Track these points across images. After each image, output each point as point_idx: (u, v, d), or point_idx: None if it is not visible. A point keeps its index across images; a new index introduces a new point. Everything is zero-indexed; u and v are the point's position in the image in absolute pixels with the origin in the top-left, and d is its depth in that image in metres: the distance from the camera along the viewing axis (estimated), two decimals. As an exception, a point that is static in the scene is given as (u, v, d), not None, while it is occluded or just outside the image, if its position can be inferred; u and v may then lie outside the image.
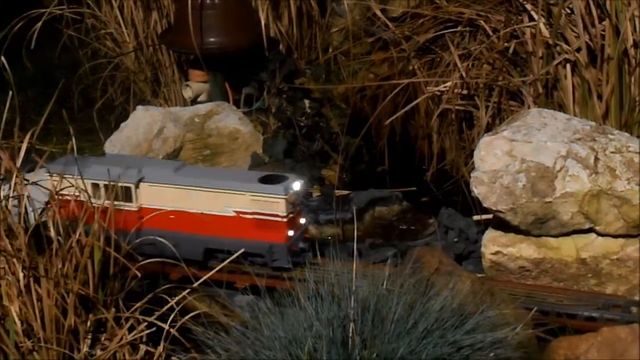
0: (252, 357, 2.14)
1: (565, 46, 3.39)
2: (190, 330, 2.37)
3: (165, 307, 2.44)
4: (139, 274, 2.52)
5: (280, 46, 4.22)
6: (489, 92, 3.64)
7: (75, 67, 4.72)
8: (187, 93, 4.11)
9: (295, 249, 2.92)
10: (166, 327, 2.38)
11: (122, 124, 3.70)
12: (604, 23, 3.29)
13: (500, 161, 3.00)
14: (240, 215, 2.93)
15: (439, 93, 3.73)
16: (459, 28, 3.75)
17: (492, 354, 2.18)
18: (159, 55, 4.46)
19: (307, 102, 3.92)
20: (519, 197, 2.92)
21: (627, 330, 2.38)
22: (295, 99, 3.89)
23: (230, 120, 3.72)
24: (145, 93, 4.50)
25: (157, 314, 2.44)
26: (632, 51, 3.26)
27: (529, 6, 3.49)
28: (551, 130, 3.01)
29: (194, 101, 4.07)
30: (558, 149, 2.94)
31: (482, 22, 3.65)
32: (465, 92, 3.70)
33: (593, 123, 3.08)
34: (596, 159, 2.89)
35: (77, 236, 2.47)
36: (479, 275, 2.92)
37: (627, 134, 3.02)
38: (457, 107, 3.72)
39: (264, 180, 2.93)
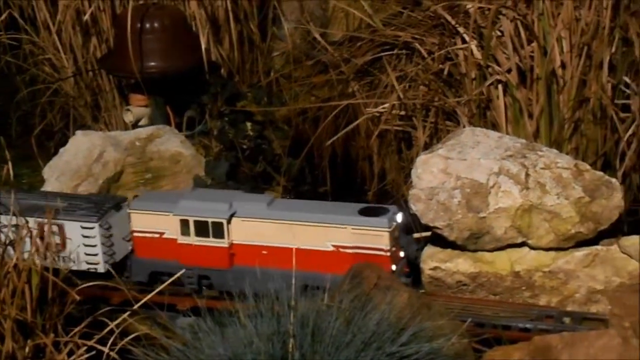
0: (192, 375, 2.17)
1: (496, 67, 3.48)
2: (132, 353, 2.39)
3: (105, 331, 2.46)
4: (78, 298, 2.53)
5: (222, 70, 4.26)
6: (426, 112, 3.69)
7: (13, 93, 4.67)
8: (128, 117, 4.11)
9: None
10: (106, 350, 2.40)
11: (61, 149, 3.67)
12: (532, 45, 3.41)
13: (436, 178, 3.09)
14: (340, 249, 2.85)
15: (377, 114, 3.77)
16: (396, 51, 3.81)
17: (427, 365, 2.24)
18: (99, 80, 4.45)
19: (249, 124, 3.93)
20: (454, 213, 3.02)
21: (557, 338, 2.47)
22: (237, 122, 3.91)
23: (171, 143, 3.72)
24: (86, 118, 4.48)
25: (96, 337, 2.45)
26: (559, 71, 3.37)
27: (461, 29, 3.57)
28: (484, 148, 3.12)
29: (135, 125, 4.06)
30: (491, 165, 3.04)
31: (417, 44, 3.71)
32: (403, 112, 3.75)
33: (523, 140, 3.19)
34: (527, 175, 3.00)
35: (14, 261, 2.47)
36: (421, 290, 3.00)
37: (555, 151, 3.13)
38: (395, 128, 3.78)
39: (365, 212, 2.85)
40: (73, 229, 3.00)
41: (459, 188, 3.05)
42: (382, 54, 3.86)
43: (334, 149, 4.03)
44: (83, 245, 3.01)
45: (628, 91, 3.36)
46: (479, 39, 3.53)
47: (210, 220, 2.89)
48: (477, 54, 3.53)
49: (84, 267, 3.01)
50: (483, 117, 3.56)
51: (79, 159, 3.61)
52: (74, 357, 2.43)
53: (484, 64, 3.51)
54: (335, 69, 4.01)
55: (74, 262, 3.00)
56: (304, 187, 3.96)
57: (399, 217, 2.85)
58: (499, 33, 3.49)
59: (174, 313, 2.91)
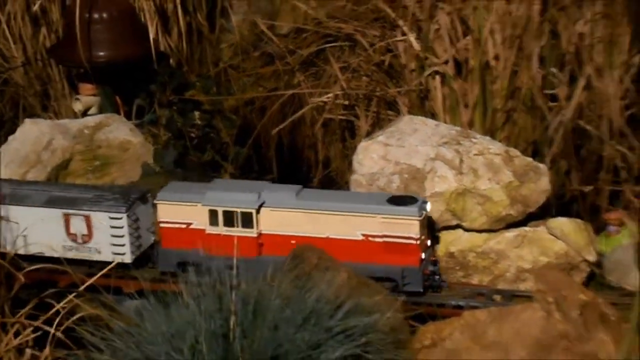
0: (135, 352, 2.19)
1: (434, 59, 3.54)
2: (77, 332, 2.41)
3: (51, 312, 2.48)
4: (24, 280, 2.55)
5: (171, 60, 4.27)
6: (368, 102, 3.74)
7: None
8: (77, 106, 4.10)
9: (427, 272, 2.82)
10: (52, 330, 2.42)
11: (10, 137, 3.66)
12: (467, 37, 3.48)
13: (376, 164, 3.17)
14: (369, 238, 2.80)
15: (322, 104, 3.81)
16: (339, 43, 3.85)
17: (363, 339, 2.30)
18: (49, 69, 4.43)
19: (197, 113, 3.95)
20: (393, 198, 3.10)
21: (485, 313, 2.56)
22: (185, 111, 3.92)
23: (120, 131, 3.74)
24: (35, 107, 4.44)
25: (42, 318, 2.47)
26: (493, 63, 3.45)
27: (400, 22, 3.62)
28: (421, 136, 3.20)
29: (85, 114, 4.05)
30: (427, 152, 3.12)
31: (359, 36, 3.75)
32: (346, 102, 3.80)
33: (458, 128, 3.27)
34: (461, 160, 3.09)
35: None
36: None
37: (488, 138, 3.23)
38: (339, 117, 3.83)
39: (394, 201, 2.80)
40: (100, 220, 2.95)
41: (398, 173, 3.13)
42: (326, 45, 3.89)
43: (281, 138, 4.06)
44: (110, 236, 2.96)
45: (556, 81, 3.45)
46: (418, 32, 3.59)
47: (239, 210, 2.82)
48: (416, 46, 3.59)
49: (110, 257, 2.93)
50: (422, 106, 3.61)
51: (27, 146, 3.60)
52: (20, 337, 2.45)
53: (423, 56, 3.57)
54: (282, 60, 4.04)
55: (99, 252, 2.98)
56: (251, 174, 3.99)
57: (428, 207, 2.82)
58: (436, 26, 3.55)
59: (121, 296, 2.94)
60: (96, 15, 3.95)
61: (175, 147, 3.77)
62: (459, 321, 2.56)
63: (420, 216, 2.74)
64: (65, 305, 2.52)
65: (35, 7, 4.28)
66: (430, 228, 2.95)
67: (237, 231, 2.84)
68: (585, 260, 3.02)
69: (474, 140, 3.16)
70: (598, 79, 3.45)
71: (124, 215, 2.92)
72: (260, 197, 2.84)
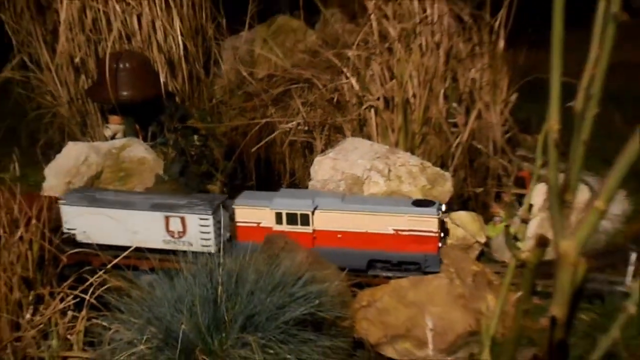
0: (147, 313, 2.17)
1: (369, 96, 3.54)
2: (107, 300, 2.38)
3: (86, 284, 2.45)
4: (65, 261, 2.51)
5: (176, 97, 4.23)
6: (322, 128, 3.73)
7: (23, 116, 4.54)
8: (107, 132, 4.05)
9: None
10: (87, 297, 2.38)
11: (57, 155, 3.60)
12: (393, 81, 3.47)
13: (327, 173, 3.17)
14: (399, 232, 2.76)
15: (288, 129, 3.79)
16: (300, 84, 3.84)
17: (317, 301, 2.30)
18: (87, 105, 4.36)
19: (195, 137, 3.91)
20: (339, 198, 3.09)
21: (407, 281, 2.59)
22: (187, 135, 3.87)
23: (139, 150, 3.70)
24: (76, 133, 4.38)
25: (80, 288, 2.43)
26: (411, 99, 3.46)
27: (345, 70, 3.61)
28: (360, 152, 3.21)
29: (113, 138, 4.00)
30: (365, 164, 3.14)
31: (315, 80, 3.75)
32: (306, 128, 3.79)
33: (387, 147, 3.28)
34: (389, 170, 3.11)
35: (19, 233, 2.43)
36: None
37: (409, 154, 3.24)
38: (301, 139, 3.80)
39: (417, 203, 2.78)
40: (192, 220, 2.91)
41: (343, 180, 3.13)
42: (291, 86, 3.88)
43: (258, 155, 4.02)
44: (199, 232, 2.91)
45: (456, 113, 3.49)
46: (357, 77, 3.60)
47: (299, 212, 2.79)
48: (356, 87, 3.59)
49: (200, 248, 2.89)
50: (361, 131, 3.61)
51: (70, 162, 3.55)
52: (64, 302, 2.41)
53: (361, 94, 3.58)
54: (258, 97, 4.02)
55: (191, 244, 2.92)
56: (236, 181, 3.97)
57: (443, 207, 2.79)
58: (370, 72, 3.55)
59: (139, 272, 2.90)
60: (121, 66, 3.89)
61: (179, 161, 3.73)
62: (388, 287, 2.59)
63: (438, 215, 2.73)
64: (97, 279, 2.49)
65: (77, 60, 4.21)
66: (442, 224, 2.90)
67: (297, 228, 2.82)
68: (478, 242, 3.06)
69: (398, 155, 3.19)
70: (486, 111, 3.49)
71: (211, 217, 2.89)
72: (314, 202, 2.82)
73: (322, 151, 3.64)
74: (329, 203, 2.82)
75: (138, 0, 4.03)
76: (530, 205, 1.27)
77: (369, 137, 3.56)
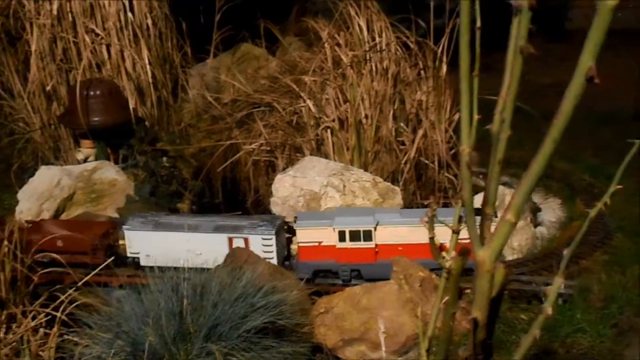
0: (116, 328, 2.15)
1: (326, 118, 3.60)
2: (77, 316, 2.35)
3: (58, 302, 2.41)
4: (36, 280, 2.47)
5: (146, 122, 4.21)
6: (283, 148, 3.76)
7: (-3, 142, 4.47)
8: (80, 156, 4.00)
9: None
10: (58, 314, 2.35)
11: (31, 179, 3.54)
12: (347, 104, 3.55)
13: (287, 190, 3.20)
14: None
15: (252, 150, 3.80)
16: (262, 108, 3.87)
17: (277, 310, 2.31)
18: (59, 131, 4.31)
19: (165, 158, 3.91)
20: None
21: (360, 288, 2.62)
22: (156, 157, 3.87)
23: (110, 173, 3.66)
24: (50, 158, 4.30)
25: (52, 306, 2.40)
26: (364, 120, 3.54)
27: (302, 94, 3.66)
28: (318, 170, 3.26)
29: (85, 161, 3.96)
30: (322, 181, 3.18)
31: (275, 104, 3.78)
32: (268, 148, 3.81)
33: (342, 164, 3.34)
34: (344, 186, 3.16)
35: (-10, 256, 2.38)
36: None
37: (362, 170, 3.30)
38: (264, 159, 3.84)
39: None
40: (255, 240, 2.86)
41: (302, 196, 3.17)
42: (254, 110, 3.91)
43: (225, 174, 4.00)
44: (262, 252, 2.85)
45: (404, 132, 3.56)
46: (314, 100, 3.66)
47: (362, 229, 2.76)
48: (313, 109, 3.64)
49: None
50: (319, 150, 3.66)
51: (43, 185, 3.49)
52: (36, 320, 2.37)
53: (318, 116, 3.64)
54: (223, 120, 4.03)
55: None
56: (204, 200, 3.95)
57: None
58: (326, 96, 3.61)
59: (111, 288, 2.87)
60: (92, 93, 3.86)
61: (149, 182, 3.71)
62: (343, 294, 2.61)
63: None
64: (68, 297, 2.45)
65: (48, 87, 4.17)
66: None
67: (360, 244, 2.79)
68: (427, 249, 3.11)
69: (352, 172, 3.24)
70: (432, 130, 3.58)
71: (274, 237, 2.86)
72: (374, 218, 2.80)
73: (284, 170, 3.67)
74: (389, 218, 2.81)
75: (107, 31, 4.02)
76: (460, 217, 1.32)
77: (326, 156, 3.62)
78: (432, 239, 1.18)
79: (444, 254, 1.18)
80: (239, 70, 4.46)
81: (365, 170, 3.43)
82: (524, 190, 1.05)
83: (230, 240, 2.83)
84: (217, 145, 3.96)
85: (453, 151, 3.67)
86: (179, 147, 3.99)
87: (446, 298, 1.16)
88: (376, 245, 2.81)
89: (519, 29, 1.07)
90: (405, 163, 3.49)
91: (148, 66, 4.15)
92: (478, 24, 1.61)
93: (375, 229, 2.79)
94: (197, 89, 4.44)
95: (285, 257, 2.99)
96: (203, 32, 4.47)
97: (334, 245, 2.83)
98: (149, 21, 4.15)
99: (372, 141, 3.55)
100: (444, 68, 3.65)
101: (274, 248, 2.86)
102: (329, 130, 3.61)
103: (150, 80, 4.18)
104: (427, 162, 3.53)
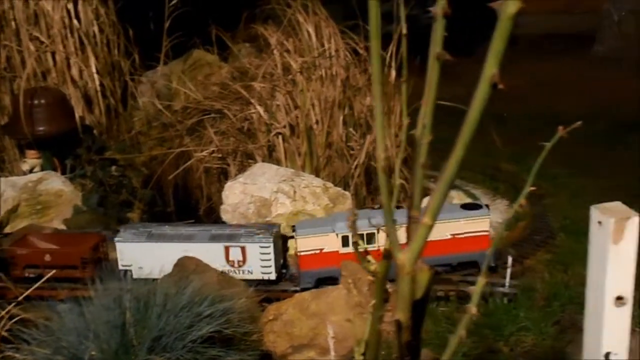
0: (55, 342, 2.10)
1: (277, 124, 3.59)
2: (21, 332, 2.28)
3: (-5, 318, 2.33)
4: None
5: (95, 130, 4.13)
6: (235, 155, 3.73)
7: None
8: (25, 167, 3.89)
9: None
10: (-3, 331, 2.28)
11: (-28, 192, 3.44)
12: (297, 110, 3.54)
13: (237, 198, 3.19)
14: (455, 236, 2.75)
15: (203, 157, 3.76)
16: (213, 115, 3.83)
17: (224, 319, 2.29)
18: (3, 141, 4.18)
19: (113, 167, 3.85)
20: (250, 219, 3.13)
21: (309, 294, 2.63)
22: (105, 166, 3.81)
23: (56, 183, 3.58)
24: (-6, 169, 4.19)
25: (-12, 323, 2.32)
26: (315, 126, 3.56)
27: (253, 100, 3.65)
28: (268, 176, 3.26)
29: (31, 172, 3.85)
30: (272, 187, 3.19)
31: (226, 110, 3.75)
32: (220, 155, 3.77)
33: (293, 170, 3.35)
34: (295, 192, 3.17)
35: None
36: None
37: (312, 176, 3.32)
38: (215, 166, 3.81)
39: (466, 207, 2.78)
40: (253, 249, 2.80)
41: (253, 202, 3.17)
42: (204, 117, 3.87)
43: (177, 182, 3.97)
44: (260, 260, 2.81)
45: (354, 137, 3.60)
46: (265, 107, 3.65)
47: (365, 232, 2.70)
48: (264, 116, 3.64)
49: (260, 276, 2.82)
50: (271, 156, 3.64)
51: (-16, 198, 3.39)
52: (-28, 338, 2.29)
53: (269, 123, 3.63)
54: (174, 127, 3.99)
55: (251, 273, 2.82)
56: (156, 208, 3.90)
57: (490, 208, 2.77)
58: (277, 102, 3.61)
59: (55, 302, 2.79)
60: (36, 102, 3.77)
61: (97, 192, 3.64)
62: (292, 300, 2.62)
63: (489, 215, 2.74)
64: (8, 312, 2.37)
65: (-9, 96, 4.05)
66: None
67: (364, 247, 2.74)
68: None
69: (303, 178, 3.26)
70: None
71: (272, 245, 2.80)
72: (378, 220, 2.76)
73: (236, 176, 3.65)
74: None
75: (51, 38, 3.93)
76: (394, 220, 1.34)
77: (278, 162, 3.60)
78: (355, 243, 1.19)
79: (368, 257, 1.19)
80: (190, 76, 4.42)
81: (317, 175, 3.44)
82: (439, 194, 1.08)
83: (227, 249, 2.79)
84: (167, 153, 3.90)
85: (404, 155, 3.72)
86: (128, 156, 3.92)
87: (373, 302, 1.18)
88: (379, 247, 2.79)
89: (435, 37, 1.10)
90: (356, 168, 3.51)
91: (95, 74, 4.08)
92: (404, 30, 1.65)
93: (378, 231, 2.77)
94: (148, 97, 4.38)
95: (282, 266, 2.96)
96: (153, 39, 4.42)
97: (337, 251, 2.80)
98: (96, 28, 4.08)
99: (323, 147, 3.56)
100: (393, 73, 3.70)
101: (271, 256, 2.83)
102: (280, 137, 3.61)
103: (98, 88, 4.11)
104: (375, 165, 3.56)
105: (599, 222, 1.07)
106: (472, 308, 1.30)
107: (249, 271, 2.84)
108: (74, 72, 4.00)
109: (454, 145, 1.10)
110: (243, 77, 3.91)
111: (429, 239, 2.74)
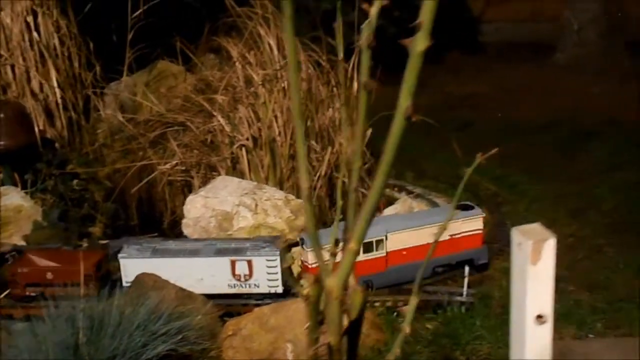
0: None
1: (240, 137, 3.58)
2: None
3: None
4: None
5: (56, 144, 4.08)
6: (199, 167, 3.72)
7: None
8: (-17, 182, 3.83)
9: None
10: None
11: None
12: (259, 122, 3.56)
13: (199, 211, 3.19)
14: (453, 237, 2.87)
15: (166, 170, 3.74)
16: (176, 127, 3.82)
17: (180, 336, 2.29)
18: (-39, 155, 4.10)
19: (75, 181, 3.80)
20: (211, 233, 3.13)
21: (268, 308, 2.63)
22: (66, 180, 3.76)
23: (15, 198, 3.52)
24: (-48, 184, 4.09)
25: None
26: (277, 138, 3.57)
27: (216, 113, 3.64)
28: (230, 189, 3.26)
29: (-10, 187, 3.79)
30: (234, 200, 3.19)
31: (189, 123, 3.74)
32: (183, 168, 3.76)
33: (255, 183, 3.36)
34: (256, 205, 3.18)
35: None
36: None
37: (274, 189, 3.33)
38: (179, 179, 3.79)
39: (461, 208, 2.92)
40: (259, 262, 2.76)
41: (214, 216, 3.17)
42: (167, 129, 3.85)
43: (140, 195, 3.94)
44: (266, 274, 2.77)
45: (316, 149, 3.61)
46: (228, 119, 3.64)
47: (374, 239, 2.81)
48: (227, 129, 3.63)
49: (266, 290, 2.79)
50: (234, 169, 3.63)
51: (-60, 215, 3.32)
52: None
53: (232, 135, 3.63)
54: (136, 140, 3.96)
55: (257, 287, 2.79)
56: (119, 222, 3.86)
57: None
58: (240, 115, 3.60)
59: (13, 320, 2.75)
60: (-6, 115, 3.72)
61: (58, 207, 3.60)
62: (251, 315, 2.62)
63: (483, 214, 2.92)
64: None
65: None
66: None
67: (373, 255, 2.83)
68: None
69: (264, 190, 3.27)
70: (344, 146, 3.65)
71: (278, 258, 2.76)
72: (383, 226, 2.85)
73: (198, 190, 3.64)
74: (396, 224, 2.90)
75: (11, 51, 3.88)
76: (336, 240, 1.37)
77: (242, 174, 3.60)
78: (288, 267, 1.22)
79: (302, 281, 1.21)
80: (155, 87, 4.40)
81: (281, 187, 3.46)
82: (363, 220, 1.11)
83: (233, 263, 2.77)
84: (131, 167, 3.86)
85: (367, 166, 3.75)
86: (90, 170, 3.89)
87: (307, 324, 1.20)
88: (387, 253, 2.89)
89: (362, 67, 1.13)
90: (318, 179, 3.52)
91: (56, 87, 4.03)
92: (340, 56, 1.68)
93: (386, 237, 2.87)
94: (112, 109, 4.34)
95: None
96: (116, 51, 4.39)
97: None
98: (56, 41, 4.04)
99: (286, 158, 3.57)
100: (355, 85, 3.73)
101: (278, 269, 2.81)
102: (243, 149, 3.61)
103: (60, 101, 4.06)
104: (338, 176, 3.58)
105: (519, 244, 1.11)
106: (406, 327, 1.33)
107: (255, 285, 2.82)
108: (34, 85, 3.95)
109: (374, 176, 1.13)
110: (206, 89, 3.91)
111: (429, 242, 2.79)
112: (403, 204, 3.32)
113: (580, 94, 5.43)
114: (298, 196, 3.34)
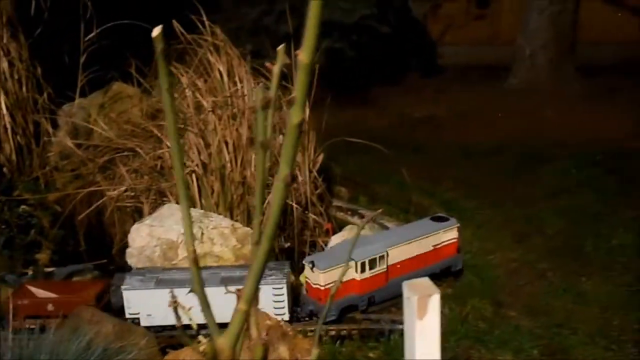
0: None
1: (190, 163, 3.57)
2: None
3: None
4: None
5: (5, 168, 4.01)
6: (149, 193, 3.70)
7: None
8: None
9: None
10: None
11: None
12: (210, 148, 3.57)
13: (144, 240, 3.17)
14: (435, 247, 3.09)
15: (115, 195, 3.71)
16: (125, 153, 3.81)
17: (116, 372, 2.26)
18: None
19: (22, 207, 3.74)
20: (156, 263, 3.11)
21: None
22: (12, 206, 3.71)
23: (-43, 226, 3.46)
24: None
25: None
26: (228, 164, 3.58)
27: (164, 138, 3.65)
28: (176, 218, 3.25)
29: None
30: (180, 229, 3.17)
31: (139, 149, 3.73)
32: (133, 194, 3.74)
33: (202, 211, 3.36)
34: (202, 233, 3.17)
35: None
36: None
37: (221, 216, 3.33)
38: (129, 205, 3.77)
39: (436, 220, 3.17)
40: (266, 290, 2.73)
41: (159, 245, 3.15)
42: (116, 155, 3.83)
43: (90, 221, 3.91)
44: (273, 302, 2.75)
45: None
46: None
47: (377, 255, 2.92)
48: (177, 155, 3.63)
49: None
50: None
51: None
52: None
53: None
54: (85, 166, 3.92)
55: None
56: (67, 248, 3.81)
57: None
58: (182, 141, 3.58)
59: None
60: (-63, 140, 3.64)
61: (3, 234, 3.53)
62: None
63: (458, 224, 3.18)
64: None
65: None
66: None
67: (376, 270, 2.95)
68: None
69: (211, 219, 3.27)
70: (299, 171, 3.68)
71: (285, 285, 2.76)
72: (384, 242, 2.99)
73: (143, 219, 3.61)
74: (394, 240, 3.05)
75: (-45, 75, 3.82)
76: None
77: (192, 201, 3.57)
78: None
79: (199, 337, 1.23)
80: (110, 109, 4.37)
81: (232, 213, 3.46)
82: (251, 282, 1.13)
83: (239, 292, 2.73)
84: (80, 192, 3.84)
85: (318, 191, 3.79)
86: (36, 197, 3.83)
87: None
88: (387, 267, 3.02)
89: (258, 127, 1.16)
90: (270, 205, 3.54)
91: (5, 110, 3.98)
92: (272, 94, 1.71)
93: (387, 252, 3.01)
94: (64, 132, 4.30)
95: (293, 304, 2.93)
96: (70, 74, 4.35)
97: (354, 279, 2.95)
98: (5, 64, 3.99)
99: (237, 184, 3.57)
100: (307, 110, 3.78)
101: (285, 297, 2.81)
102: (193, 175, 3.60)
103: (8, 125, 4.00)
104: (291, 203, 3.61)
105: (408, 298, 1.15)
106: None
107: None
108: (-19, 109, 3.90)
109: (260, 239, 1.15)
110: (157, 114, 3.90)
111: (417, 254, 3.13)
112: (349, 232, 3.36)
113: (531, 117, 5.58)
114: (248, 222, 3.35)
